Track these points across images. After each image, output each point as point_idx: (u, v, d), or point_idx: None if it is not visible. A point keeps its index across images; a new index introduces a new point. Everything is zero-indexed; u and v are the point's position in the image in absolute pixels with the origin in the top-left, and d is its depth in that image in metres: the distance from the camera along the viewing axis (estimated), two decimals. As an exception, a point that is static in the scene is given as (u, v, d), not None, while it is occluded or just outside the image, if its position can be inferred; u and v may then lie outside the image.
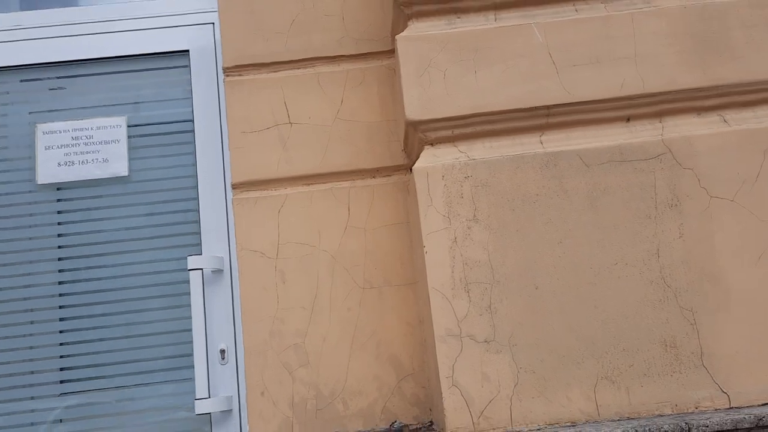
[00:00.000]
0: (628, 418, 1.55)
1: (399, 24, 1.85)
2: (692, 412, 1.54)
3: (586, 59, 1.73)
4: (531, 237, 1.64)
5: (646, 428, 1.43)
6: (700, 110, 1.72)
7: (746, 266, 1.62)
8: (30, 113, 2.20)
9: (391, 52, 1.98)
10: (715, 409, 1.54)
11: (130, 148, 2.16)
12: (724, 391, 1.56)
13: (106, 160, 2.14)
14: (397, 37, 1.77)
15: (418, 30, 1.77)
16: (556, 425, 1.54)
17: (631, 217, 1.65)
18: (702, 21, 1.74)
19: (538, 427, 1.54)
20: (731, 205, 1.64)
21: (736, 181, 1.65)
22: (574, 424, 1.54)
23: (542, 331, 1.59)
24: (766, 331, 1.59)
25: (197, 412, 1.85)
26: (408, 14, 1.79)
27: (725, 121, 1.71)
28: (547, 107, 1.71)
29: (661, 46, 1.73)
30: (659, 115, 1.72)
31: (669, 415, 1.54)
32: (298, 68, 2.01)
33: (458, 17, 1.79)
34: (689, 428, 1.41)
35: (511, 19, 1.77)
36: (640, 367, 1.58)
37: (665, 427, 1.42)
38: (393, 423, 1.75)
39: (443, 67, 1.73)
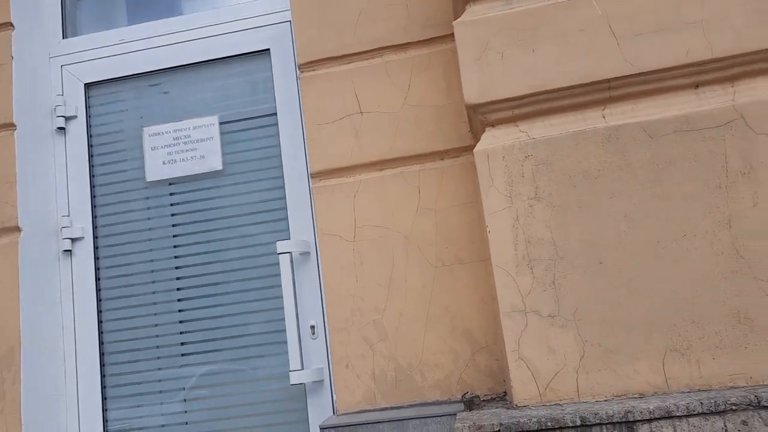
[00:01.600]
0: (699, 390, 1.55)
1: (458, 8, 1.88)
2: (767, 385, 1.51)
3: (648, 28, 1.68)
4: (594, 212, 1.65)
5: (713, 400, 1.42)
6: (776, 72, 1.63)
7: (828, 233, 1.54)
8: (141, 117, 2.46)
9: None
10: (793, 382, 1.50)
11: (223, 144, 2.37)
12: (803, 363, 1.51)
13: (203, 157, 2.36)
14: (454, 23, 1.80)
15: (475, 13, 1.80)
16: (624, 396, 1.57)
17: (700, 187, 1.61)
18: (775, -24, 1.63)
19: (605, 399, 1.57)
20: (811, 170, 1.56)
21: (817, 144, 1.57)
22: (642, 396, 1.56)
23: (608, 305, 1.61)
24: None
25: (291, 382, 2.02)
26: (465, -2, 1.82)
27: (805, 81, 1.61)
28: (608, 80, 1.69)
29: (731, 7, 1.65)
30: (731, 79, 1.65)
31: (742, 387, 1.51)
32: (367, 59, 2.09)
33: (516, -4, 1.80)
34: (759, 401, 1.39)
35: (569, -7, 1.75)
36: (711, 339, 1.56)
37: (733, 399, 1.41)
38: (465, 394, 1.84)
39: (500, 49, 1.75)
